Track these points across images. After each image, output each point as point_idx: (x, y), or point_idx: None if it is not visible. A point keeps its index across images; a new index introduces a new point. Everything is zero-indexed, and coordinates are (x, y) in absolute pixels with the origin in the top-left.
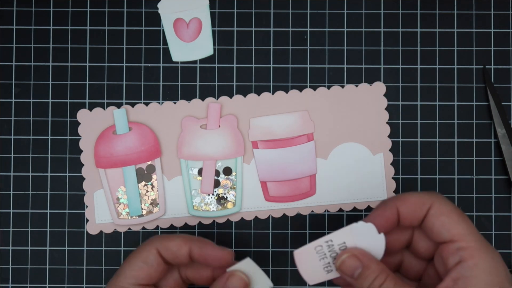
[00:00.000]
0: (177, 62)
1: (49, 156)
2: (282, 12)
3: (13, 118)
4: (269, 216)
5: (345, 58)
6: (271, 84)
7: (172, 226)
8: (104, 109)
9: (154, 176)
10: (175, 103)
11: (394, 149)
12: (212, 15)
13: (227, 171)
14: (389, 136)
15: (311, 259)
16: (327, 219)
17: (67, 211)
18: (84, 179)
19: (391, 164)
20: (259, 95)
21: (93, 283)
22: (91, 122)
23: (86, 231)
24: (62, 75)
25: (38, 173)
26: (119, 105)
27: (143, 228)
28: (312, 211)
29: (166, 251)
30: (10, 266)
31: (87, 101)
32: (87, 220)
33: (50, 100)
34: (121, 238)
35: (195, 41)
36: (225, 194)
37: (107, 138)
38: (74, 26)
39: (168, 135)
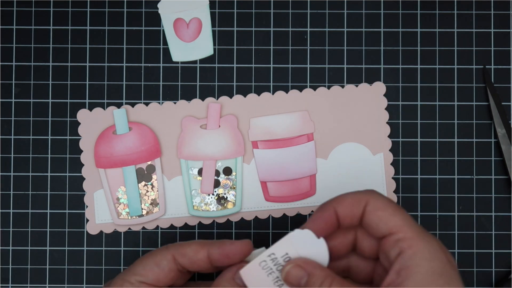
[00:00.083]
0: (177, 62)
1: (49, 156)
2: (282, 12)
3: (13, 118)
4: (269, 216)
5: (345, 58)
6: (271, 84)
7: (172, 226)
8: (104, 109)
9: (154, 176)
10: (175, 103)
11: (394, 149)
12: (212, 15)
13: (227, 171)
14: (389, 136)
15: (258, 276)
16: None
17: (67, 211)
18: (84, 179)
19: (391, 164)
20: (259, 95)
21: (93, 283)
22: (91, 122)
23: (86, 231)
24: (62, 75)
25: (38, 173)
26: (119, 105)
27: (143, 228)
28: (312, 211)
29: (182, 257)
30: (10, 266)
31: (87, 101)
32: (87, 220)
33: (50, 100)
34: (121, 238)
35: (195, 41)
36: (225, 194)
37: (107, 138)
38: (74, 26)
39: (168, 135)
